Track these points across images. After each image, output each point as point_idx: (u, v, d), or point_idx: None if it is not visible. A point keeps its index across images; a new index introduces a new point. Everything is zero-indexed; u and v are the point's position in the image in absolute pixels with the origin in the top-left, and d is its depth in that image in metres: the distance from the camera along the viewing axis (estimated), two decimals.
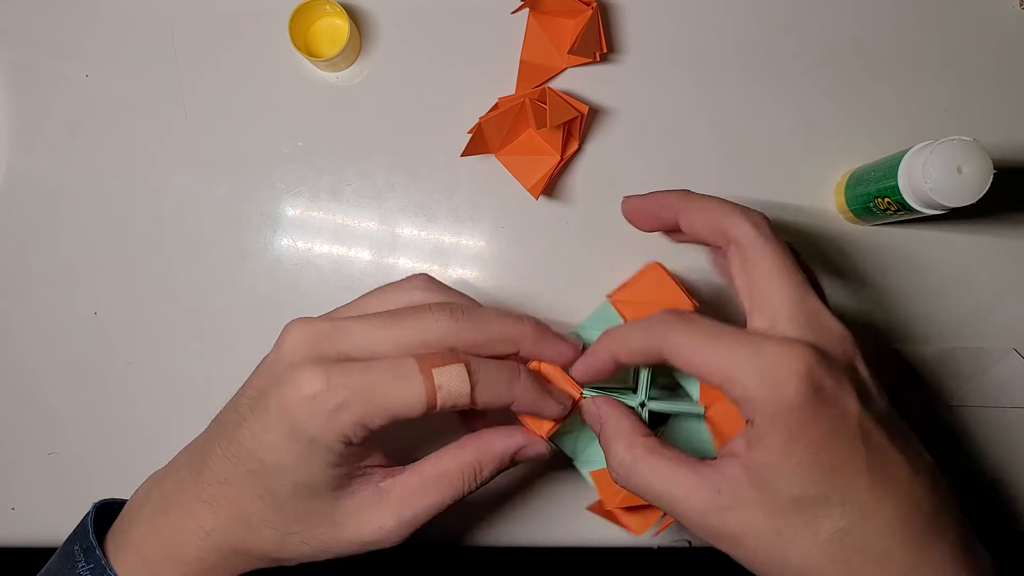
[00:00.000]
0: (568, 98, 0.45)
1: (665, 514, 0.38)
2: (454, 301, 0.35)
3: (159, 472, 0.39)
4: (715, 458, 0.33)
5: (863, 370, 0.32)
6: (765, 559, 0.31)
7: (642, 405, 0.39)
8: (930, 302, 0.50)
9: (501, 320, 0.35)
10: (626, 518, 0.40)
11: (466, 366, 0.33)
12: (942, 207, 0.40)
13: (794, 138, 0.50)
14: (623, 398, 0.38)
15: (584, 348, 0.37)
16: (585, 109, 0.46)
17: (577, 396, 0.37)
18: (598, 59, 0.49)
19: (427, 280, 0.37)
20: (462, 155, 0.47)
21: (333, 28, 0.50)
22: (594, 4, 0.46)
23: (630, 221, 0.39)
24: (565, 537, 0.49)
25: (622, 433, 0.35)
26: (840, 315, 0.33)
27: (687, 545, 0.49)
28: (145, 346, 0.50)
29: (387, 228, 0.50)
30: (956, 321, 0.50)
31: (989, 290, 0.50)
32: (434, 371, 0.32)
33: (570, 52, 0.47)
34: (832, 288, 0.50)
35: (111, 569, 0.36)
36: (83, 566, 0.36)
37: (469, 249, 0.50)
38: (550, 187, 0.50)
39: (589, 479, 0.40)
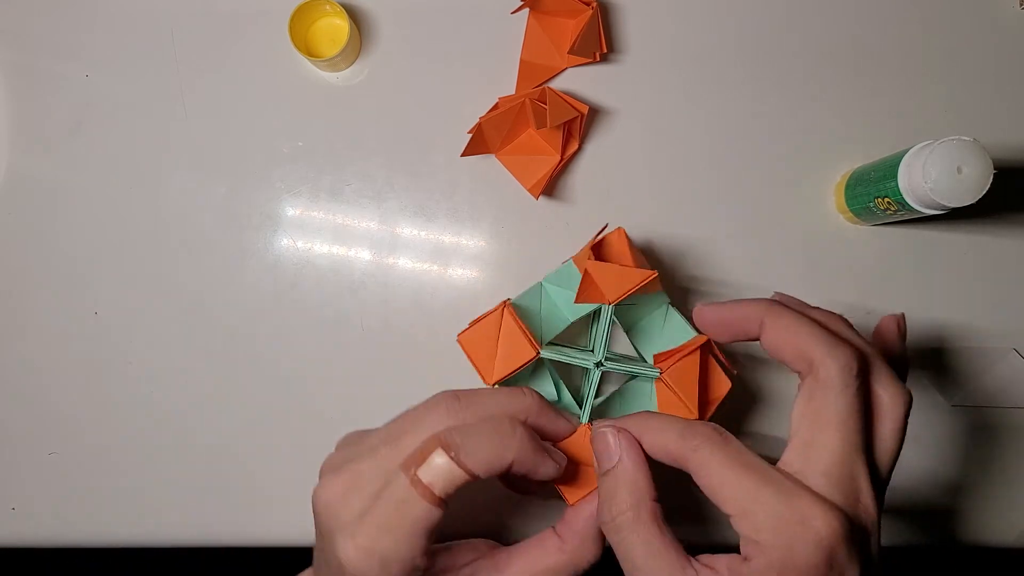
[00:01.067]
0: (568, 98, 0.45)
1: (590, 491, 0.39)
2: (476, 411, 0.34)
3: None
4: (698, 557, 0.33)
5: (875, 545, 0.32)
6: None
7: (598, 364, 0.39)
8: (930, 302, 0.50)
9: (499, 396, 0.35)
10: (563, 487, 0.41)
11: (442, 444, 0.32)
12: (942, 207, 0.40)
13: (794, 138, 0.50)
14: (581, 356, 0.39)
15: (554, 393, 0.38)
16: (585, 109, 0.46)
17: (577, 427, 0.37)
18: (598, 59, 0.49)
19: (449, 401, 0.35)
20: (462, 155, 0.47)
21: (333, 28, 0.50)
22: (594, 4, 0.46)
23: (703, 330, 0.37)
24: None
25: (636, 487, 0.34)
26: (881, 483, 0.33)
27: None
28: (145, 346, 0.50)
29: (387, 228, 0.50)
30: (956, 321, 0.50)
31: (989, 290, 0.50)
32: (418, 472, 0.31)
33: (570, 52, 0.47)
34: (832, 288, 0.50)
35: None
36: None
37: (469, 249, 0.50)
38: (550, 187, 0.50)
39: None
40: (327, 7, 0.49)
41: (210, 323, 0.50)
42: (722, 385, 0.40)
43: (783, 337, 0.33)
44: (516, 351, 0.39)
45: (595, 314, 0.41)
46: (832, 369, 0.31)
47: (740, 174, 0.50)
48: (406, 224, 0.50)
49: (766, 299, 0.35)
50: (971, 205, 0.40)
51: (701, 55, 0.51)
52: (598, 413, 0.41)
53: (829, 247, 0.50)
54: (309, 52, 0.49)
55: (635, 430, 0.34)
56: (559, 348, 0.40)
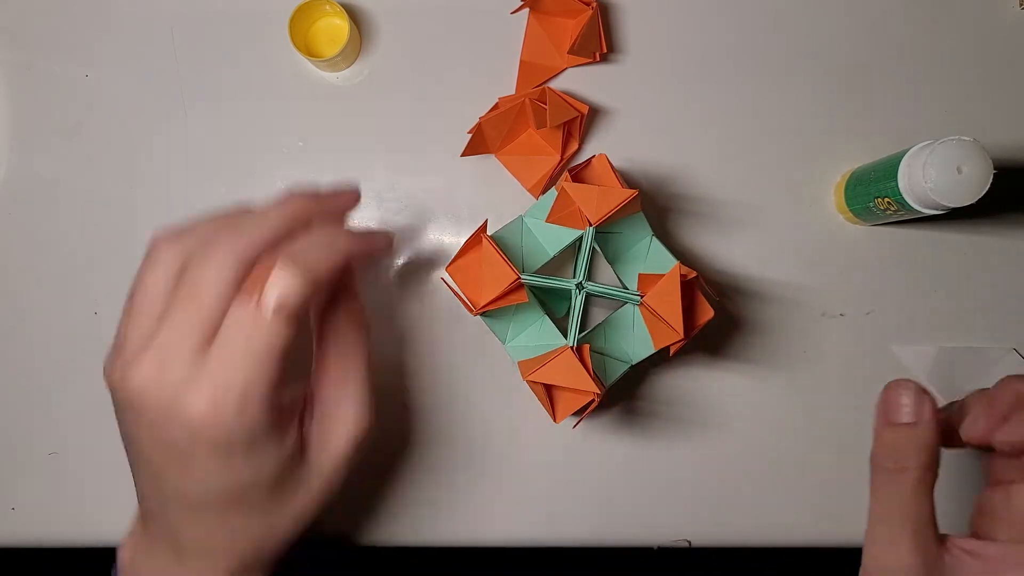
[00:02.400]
0: (568, 98, 0.45)
1: (585, 409, 0.40)
2: (204, 233, 0.33)
3: (132, 539, 0.38)
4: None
5: None
6: None
7: (579, 286, 0.40)
8: (930, 302, 0.50)
9: (272, 211, 0.33)
10: (551, 400, 0.41)
11: (281, 264, 0.30)
12: (942, 207, 0.40)
13: (794, 138, 0.50)
14: (560, 282, 0.40)
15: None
16: (585, 109, 0.46)
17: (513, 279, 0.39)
18: (598, 59, 0.49)
19: (159, 244, 0.33)
20: (462, 155, 0.47)
21: (333, 28, 0.50)
22: (594, 4, 0.46)
23: (975, 445, 0.35)
24: (565, 537, 0.49)
25: (932, 452, 0.33)
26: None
27: (687, 545, 0.49)
28: None
29: (387, 228, 0.50)
30: (956, 321, 0.50)
31: (989, 290, 0.50)
32: (263, 296, 0.30)
33: (570, 52, 0.47)
34: (832, 288, 0.50)
35: None
36: None
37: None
38: (550, 187, 0.50)
39: (515, 364, 0.42)
40: (327, 7, 0.49)
41: None
42: (705, 312, 0.41)
43: None
44: (498, 277, 0.39)
45: (578, 245, 0.41)
46: None
47: (740, 174, 0.50)
48: (406, 224, 0.50)
49: None
50: (971, 205, 0.40)
51: (701, 55, 0.51)
52: (589, 339, 0.42)
53: (829, 247, 0.50)
54: (309, 52, 0.49)
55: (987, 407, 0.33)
56: (541, 276, 0.40)
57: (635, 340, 0.43)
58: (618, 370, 0.42)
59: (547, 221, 0.41)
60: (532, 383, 0.40)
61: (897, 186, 0.42)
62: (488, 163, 0.50)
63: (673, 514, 0.50)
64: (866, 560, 0.33)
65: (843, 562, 0.51)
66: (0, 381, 0.50)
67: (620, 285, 0.43)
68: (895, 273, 0.50)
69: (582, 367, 0.39)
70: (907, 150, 0.42)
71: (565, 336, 0.41)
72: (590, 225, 0.40)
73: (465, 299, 0.41)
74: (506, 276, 0.39)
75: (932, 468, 0.33)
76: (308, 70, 0.50)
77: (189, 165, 0.50)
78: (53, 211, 0.50)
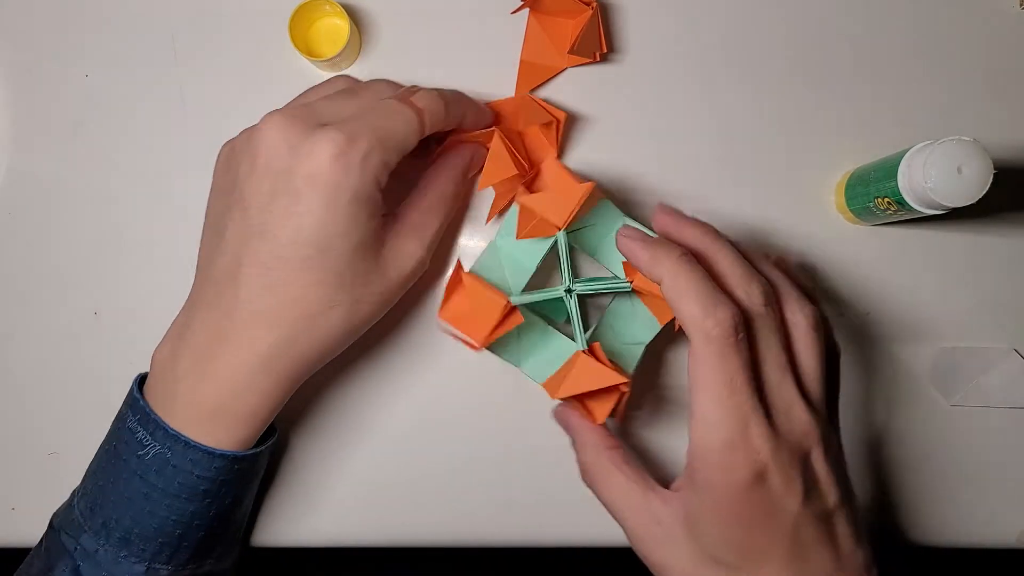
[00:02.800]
0: (545, 105, 0.45)
1: (619, 402, 0.40)
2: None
3: (172, 332, 0.39)
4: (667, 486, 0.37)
5: (820, 465, 0.34)
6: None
7: (568, 291, 0.40)
8: (930, 302, 0.50)
9: (431, 89, 0.40)
10: (585, 407, 0.42)
11: (439, 92, 0.39)
12: (942, 207, 0.40)
13: (794, 137, 0.50)
14: (550, 292, 0.40)
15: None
16: (562, 116, 0.46)
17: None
18: (598, 59, 0.49)
19: (348, 77, 0.42)
20: (487, 222, 0.48)
21: (333, 28, 0.50)
22: (594, 4, 0.46)
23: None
24: (565, 537, 0.49)
25: (590, 444, 0.38)
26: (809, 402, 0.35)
27: None
28: (145, 346, 0.50)
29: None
30: (956, 321, 0.50)
31: (989, 290, 0.50)
32: (413, 97, 0.37)
33: (570, 52, 0.47)
34: (831, 288, 0.50)
35: (181, 433, 0.35)
36: (144, 436, 0.35)
37: (469, 249, 0.50)
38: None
39: (539, 385, 0.43)
40: (327, 7, 0.49)
41: None
42: None
43: (671, 300, 0.35)
44: (489, 309, 0.40)
45: (557, 251, 0.42)
46: (699, 341, 0.33)
47: (739, 174, 0.50)
48: None
49: (674, 251, 0.36)
50: (971, 205, 0.40)
51: (701, 55, 0.51)
52: (598, 336, 0.43)
53: (829, 247, 0.50)
54: (309, 52, 0.49)
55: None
56: (530, 292, 0.41)
57: (641, 322, 0.43)
58: (636, 355, 0.43)
59: (518, 238, 0.41)
60: (563, 400, 0.40)
61: (897, 186, 0.41)
62: None
63: None
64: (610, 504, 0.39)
65: None
66: (0, 381, 0.50)
67: (609, 275, 0.43)
68: (895, 273, 0.50)
69: (601, 365, 0.39)
70: (907, 150, 0.42)
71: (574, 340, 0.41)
72: (559, 229, 0.40)
73: (466, 339, 0.41)
74: (496, 304, 0.39)
75: (601, 454, 0.39)
76: (308, 70, 0.50)
77: (189, 165, 0.50)
78: (53, 211, 0.50)
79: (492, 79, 0.50)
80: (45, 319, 0.50)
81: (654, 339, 0.43)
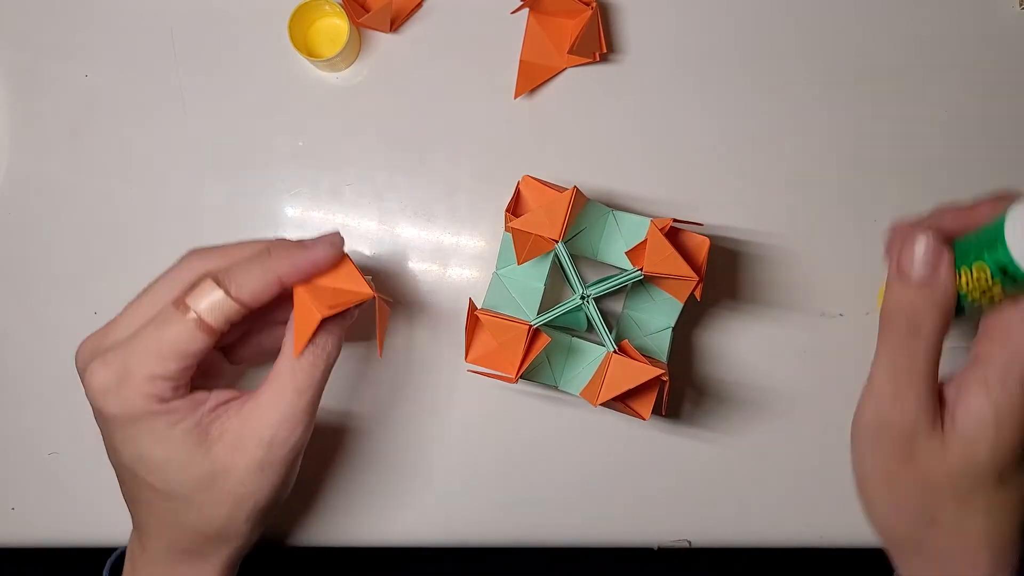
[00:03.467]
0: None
1: (661, 395, 0.40)
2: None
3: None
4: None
5: None
6: (909, 501, 0.33)
7: (584, 298, 0.40)
8: None
9: (244, 244, 0.36)
10: (629, 408, 0.42)
11: (212, 277, 0.33)
12: None
13: (793, 137, 0.50)
14: (567, 304, 0.40)
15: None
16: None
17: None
18: (598, 59, 0.49)
19: (195, 253, 0.37)
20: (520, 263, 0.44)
21: (333, 28, 0.50)
22: (594, 4, 0.46)
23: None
24: (565, 537, 0.49)
25: (949, 312, 0.33)
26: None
27: (687, 545, 0.49)
28: None
29: (387, 228, 0.50)
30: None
31: None
32: (187, 300, 0.33)
33: (570, 52, 0.47)
34: (831, 288, 0.50)
35: None
36: None
37: (469, 249, 0.50)
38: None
39: (578, 396, 0.42)
40: (327, 7, 0.49)
41: None
42: (700, 244, 0.42)
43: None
44: (514, 339, 0.39)
45: (559, 264, 0.42)
46: None
47: (739, 174, 0.50)
48: (406, 224, 0.50)
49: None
50: None
51: (701, 55, 0.51)
52: (622, 335, 0.43)
53: (829, 246, 0.50)
54: (309, 52, 0.49)
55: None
56: (547, 312, 0.41)
57: (661, 308, 0.43)
58: (665, 341, 0.43)
59: (520, 263, 0.41)
60: (605, 404, 0.40)
61: (1009, 254, 0.29)
62: (488, 163, 0.50)
63: (673, 514, 0.50)
64: (866, 413, 0.33)
65: (843, 562, 0.52)
66: (0, 381, 0.50)
67: (616, 271, 0.43)
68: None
69: (635, 361, 0.39)
70: (1004, 213, 0.30)
71: (602, 344, 0.41)
72: (556, 242, 0.40)
73: (500, 375, 0.41)
74: (519, 332, 0.39)
75: (945, 329, 0.32)
76: (308, 70, 0.50)
77: (189, 165, 0.50)
78: (53, 211, 0.50)
79: (492, 79, 0.50)
80: (45, 319, 0.50)
81: (678, 325, 0.44)
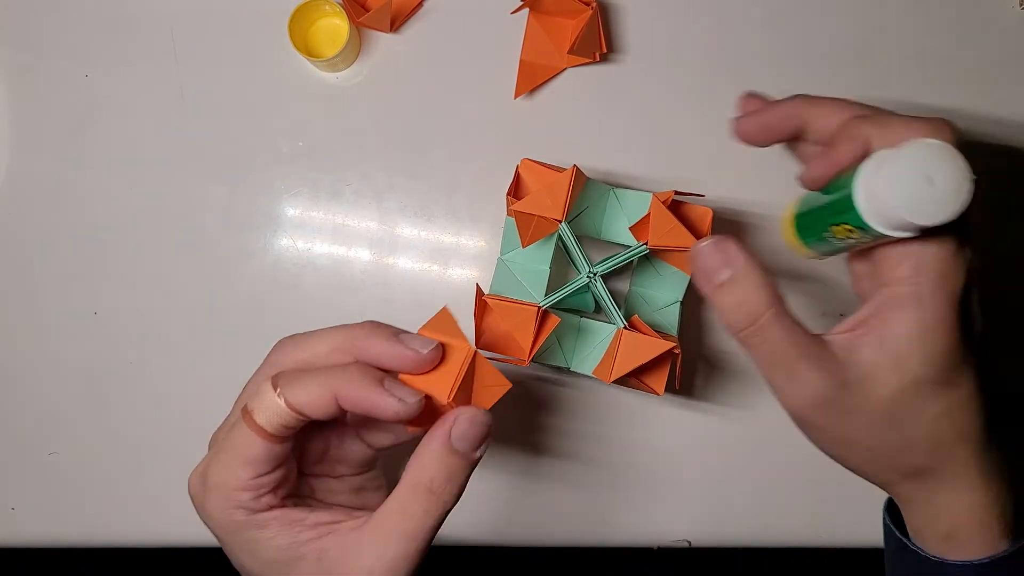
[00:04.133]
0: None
1: (674, 368, 0.40)
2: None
3: None
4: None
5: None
6: (873, 443, 0.33)
7: (591, 275, 0.40)
8: None
9: (330, 332, 0.33)
10: (643, 384, 0.42)
11: (272, 380, 0.31)
12: (914, 227, 0.32)
13: None
14: (574, 283, 0.40)
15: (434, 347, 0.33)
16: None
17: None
18: (598, 59, 0.49)
19: (283, 344, 0.35)
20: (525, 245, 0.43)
21: (333, 28, 0.50)
22: (594, 4, 0.46)
23: (745, 140, 0.37)
24: (565, 537, 0.49)
25: (769, 284, 0.33)
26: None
27: (687, 545, 0.49)
28: (145, 346, 0.50)
29: (387, 228, 0.50)
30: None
31: (989, 289, 0.50)
32: (248, 404, 0.32)
33: (570, 52, 0.47)
34: (831, 288, 0.50)
35: None
36: None
37: (469, 249, 0.50)
38: None
39: (592, 375, 0.42)
40: (327, 7, 0.49)
41: (210, 323, 0.50)
42: (703, 214, 0.42)
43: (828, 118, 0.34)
44: (523, 320, 0.39)
45: (564, 244, 0.42)
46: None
47: (739, 173, 0.50)
48: (406, 224, 0.50)
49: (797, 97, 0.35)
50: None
51: (701, 55, 0.51)
52: (630, 312, 0.42)
53: None
54: (309, 52, 0.49)
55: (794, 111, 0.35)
56: (555, 292, 0.41)
57: (668, 282, 0.44)
58: (674, 315, 0.43)
59: (524, 246, 0.41)
60: (619, 381, 0.40)
61: (856, 209, 0.33)
62: (488, 163, 0.50)
63: (673, 514, 0.50)
64: (784, 402, 0.33)
65: (843, 562, 0.52)
66: (0, 381, 0.50)
67: (621, 247, 0.43)
68: None
69: (645, 336, 0.39)
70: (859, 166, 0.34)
71: (611, 323, 0.41)
72: (560, 222, 0.40)
73: (511, 359, 0.41)
74: (529, 314, 0.39)
75: (777, 300, 0.33)
76: (308, 70, 0.50)
77: (189, 165, 0.50)
78: (53, 211, 0.50)
79: (492, 79, 0.50)
80: (45, 319, 0.50)
81: (686, 298, 0.44)
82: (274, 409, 0.31)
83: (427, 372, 0.32)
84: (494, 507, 0.49)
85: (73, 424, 0.50)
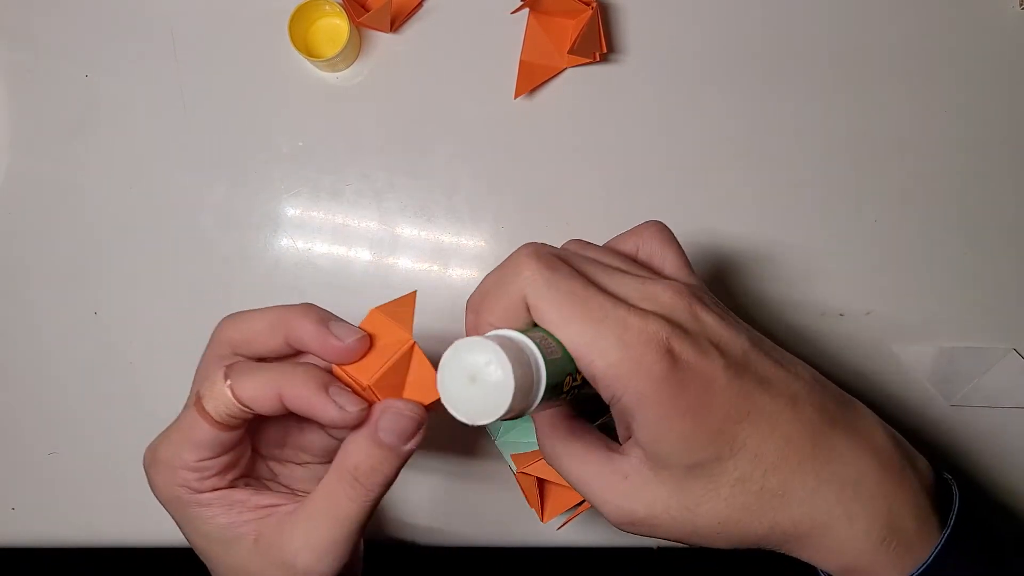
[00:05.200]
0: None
1: (578, 504, 0.39)
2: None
3: None
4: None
5: (710, 317, 0.31)
6: (681, 532, 0.32)
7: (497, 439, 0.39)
8: (930, 302, 0.50)
9: (268, 311, 0.34)
10: (543, 502, 0.41)
11: (225, 370, 0.32)
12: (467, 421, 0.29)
13: (793, 137, 0.50)
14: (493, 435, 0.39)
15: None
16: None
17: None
18: (598, 59, 0.49)
19: (226, 322, 0.36)
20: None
21: (333, 28, 0.50)
22: (594, 4, 0.46)
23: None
24: (565, 537, 0.49)
25: (547, 419, 0.34)
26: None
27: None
28: (145, 346, 0.50)
29: (387, 228, 0.50)
30: (956, 321, 0.50)
31: (989, 290, 0.50)
32: (201, 390, 0.32)
33: (570, 52, 0.47)
34: (831, 288, 0.50)
35: None
36: None
37: (469, 249, 0.50)
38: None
39: (509, 460, 0.41)
40: (327, 7, 0.49)
41: (210, 323, 0.50)
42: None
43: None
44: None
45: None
46: (530, 294, 0.30)
47: (739, 174, 0.50)
48: (406, 224, 0.50)
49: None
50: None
51: (701, 55, 0.51)
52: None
53: (829, 244, 0.50)
54: (309, 52, 0.49)
55: (471, 324, 0.33)
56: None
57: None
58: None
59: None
60: (523, 477, 0.39)
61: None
62: (488, 163, 0.50)
63: None
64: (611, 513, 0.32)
65: None
66: (0, 381, 0.50)
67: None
68: (895, 273, 0.50)
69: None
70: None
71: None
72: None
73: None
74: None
75: (558, 426, 0.33)
76: (308, 70, 0.50)
77: (189, 165, 0.50)
78: (53, 211, 0.50)
79: (492, 79, 0.50)
80: (45, 319, 0.50)
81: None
82: (222, 399, 0.32)
83: (353, 362, 0.33)
84: (494, 508, 0.49)
85: (73, 424, 0.50)
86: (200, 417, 0.32)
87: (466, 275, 0.50)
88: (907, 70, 0.51)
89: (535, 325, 0.30)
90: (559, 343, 0.29)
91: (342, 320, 0.34)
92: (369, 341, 0.33)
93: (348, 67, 0.50)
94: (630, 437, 0.32)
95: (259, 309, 0.34)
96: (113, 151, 0.50)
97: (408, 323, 0.33)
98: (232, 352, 0.34)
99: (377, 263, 0.50)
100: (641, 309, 0.30)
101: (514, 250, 0.32)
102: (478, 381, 0.27)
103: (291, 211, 0.50)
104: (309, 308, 0.34)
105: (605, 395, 0.30)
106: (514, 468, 0.41)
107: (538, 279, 0.30)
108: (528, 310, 0.31)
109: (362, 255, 0.50)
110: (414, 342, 0.33)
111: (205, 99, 0.50)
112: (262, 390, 0.32)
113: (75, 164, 0.50)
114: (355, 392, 0.32)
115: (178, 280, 0.50)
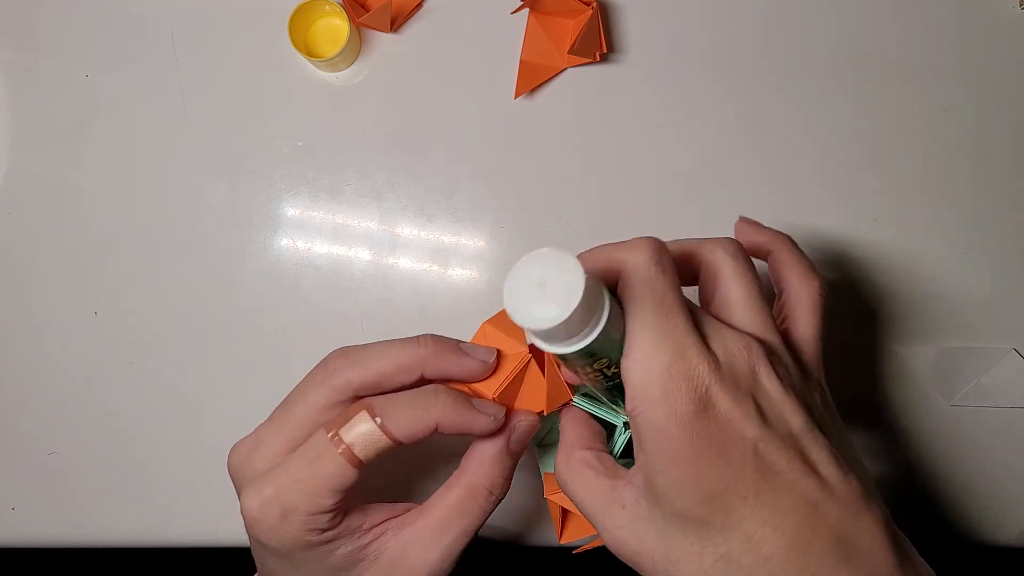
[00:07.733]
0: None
1: (596, 536, 0.38)
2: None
3: None
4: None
5: (771, 383, 0.30)
6: None
7: (627, 425, 0.37)
8: (930, 302, 0.50)
9: (390, 349, 0.34)
10: (565, 524, 0.41)
11: (368, 409, 0.32)
12: (538, 333, 0.29)
13: (793, 137, 0.50)
14: (608, 415, 0.37)
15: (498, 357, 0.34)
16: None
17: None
18: (598, 59, 0.49)
19: (337, 359, 0.34)
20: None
21: (333, 28, 0.50)
22: (594, 4, 0.46)
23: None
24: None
25: (566, 443, 0.35)
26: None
27: None
28: (145, 346, 0.50)
29: (387, 228, 0.50)
30: (956, 321, 0.50)
31: (989, 290, 0.50)
32: (340, 432, 0.32)
33: (570, 52, 0.47)
34: (831, 288, 0.50)
35: None
36: None
37: (469, 249, 0.50)
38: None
39: (542, 478, 0.41)
40: (327, 7, 0.49)
41: (210, 323, 0.50)
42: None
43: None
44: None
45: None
46: (628, 278, 0.31)
47: (738, 174, 0.50)
48: (406, 224, 0.50)
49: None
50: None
51: (701, 55, 0.51)
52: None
53: (830, 244, 0.50)
54: (309, 52, 0.49)
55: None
56: (590, 398, 0.38)
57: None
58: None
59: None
60: (551, 501, 0.39)
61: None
62: (488, 163, 0.50)
63: None
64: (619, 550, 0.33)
65: None
66: (0, 381, 0.50)
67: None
68: (894, 273, 0.50)
69: None
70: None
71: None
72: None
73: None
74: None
75: (574, 454, 0.34)
76: (308, 70, 0.50)
77: (189, 165, 0.50)
78: (53, 211, 0.50)
79: (492, 79, 0.50)
80: (45, 319, 0.50)
81: None
82: (372, 438, 0.32)
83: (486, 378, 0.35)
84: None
85: (73, 424, 0.50)
86: (347, 461, 0.31)
87: (466, 275, 0.50)
88: (907, 69, 0.51)
89: (614, 294, 0.30)
90: (621, 333, 0.30)
91: (465, 342, 0.35)
92: (498, 354, 0.35)
93: (348, 67, 0.50)
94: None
95: (375, 346, 0.34)
96: (113, 151, 0.50)
97: (521, 335, 0.34)
98: (352, 393, 0.33)
99: (377, 263, 0.50)
100: (705, 347, 0.30)
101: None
102: (548, 287, 0.27)
103: (291, 211, 0.50)
104: (439, 341, 0.34)
105: (628, 404, 0.30)
106: (543, 490, 0.41)
107: (646, 267, 0.30)
108: (616, 281, 0.31)
109: (362, 255, 0.50)
110: (531, 356, 0.34)
111: (205, 99, 0.50)
112: (418, 423, 0.32)
113: (75, 164, 0.50)
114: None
115: (178, 280, 0.50)
